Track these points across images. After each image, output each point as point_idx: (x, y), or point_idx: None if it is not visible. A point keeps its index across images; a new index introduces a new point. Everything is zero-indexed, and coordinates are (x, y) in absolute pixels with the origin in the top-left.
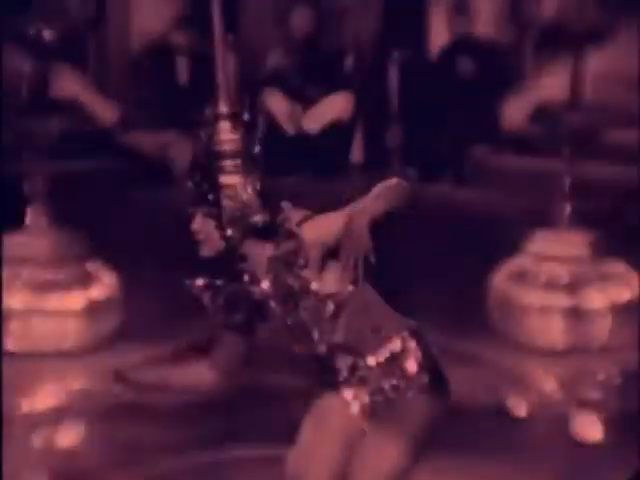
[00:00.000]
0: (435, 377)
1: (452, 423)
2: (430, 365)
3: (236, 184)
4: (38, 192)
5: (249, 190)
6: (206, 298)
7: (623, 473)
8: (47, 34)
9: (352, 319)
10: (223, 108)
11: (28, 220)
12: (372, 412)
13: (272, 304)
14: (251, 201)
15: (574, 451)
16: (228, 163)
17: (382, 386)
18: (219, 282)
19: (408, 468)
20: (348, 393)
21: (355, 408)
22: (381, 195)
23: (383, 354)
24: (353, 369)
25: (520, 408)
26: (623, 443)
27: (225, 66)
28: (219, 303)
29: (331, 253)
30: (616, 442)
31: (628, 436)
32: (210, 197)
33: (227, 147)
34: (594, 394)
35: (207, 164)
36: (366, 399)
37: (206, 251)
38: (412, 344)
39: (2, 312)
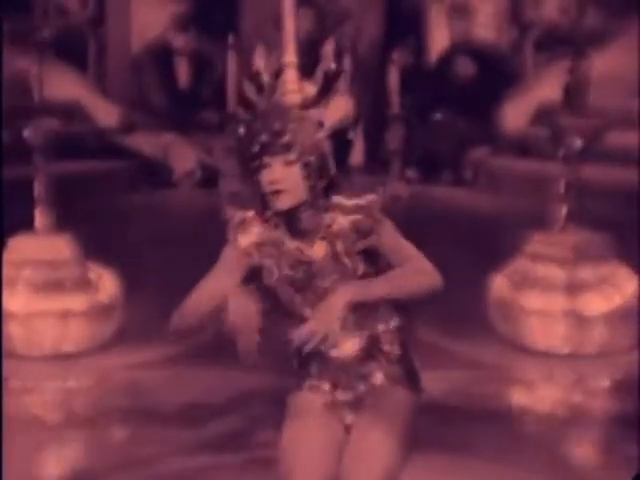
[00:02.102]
0: (410, 372)
1: (451, 424)
2: (406, 360)
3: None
4: (43, 194)
5: (326, 144)
6: (233, 231)
7: (623, 475)
8: (47, 34)
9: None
10: (290, 57)
11: (37, 222)
12: (352, 403)
13: (318, 268)
14: (327, 155)
15: (574, 452)
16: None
17: (360, 374)
18: (251, 215)
19: (400, 463)
20: (326, 384)
21: (334, 399)
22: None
23: (365, 341)
24: (332, 359)
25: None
26: (623, 445)
27: (294, 17)
28: (240, 238)
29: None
30: (616, 444)
31: (628, 438)
32: (296, 148)
33: (295, 98)
34: (594, 396)
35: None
36: (344, 389)
37: (285, 202)
38: (394, 337)
39: (2, 313)
